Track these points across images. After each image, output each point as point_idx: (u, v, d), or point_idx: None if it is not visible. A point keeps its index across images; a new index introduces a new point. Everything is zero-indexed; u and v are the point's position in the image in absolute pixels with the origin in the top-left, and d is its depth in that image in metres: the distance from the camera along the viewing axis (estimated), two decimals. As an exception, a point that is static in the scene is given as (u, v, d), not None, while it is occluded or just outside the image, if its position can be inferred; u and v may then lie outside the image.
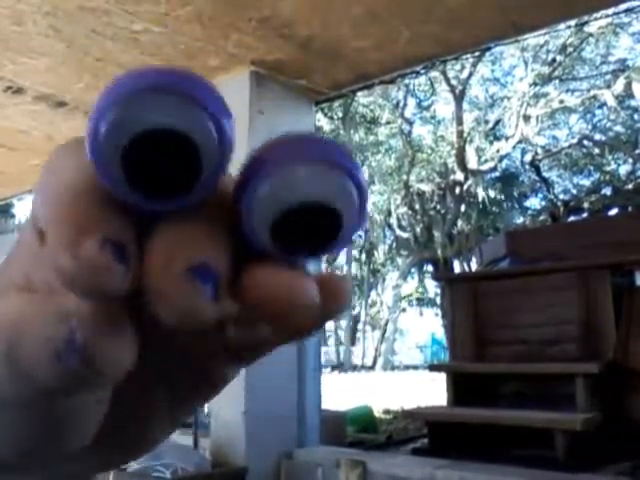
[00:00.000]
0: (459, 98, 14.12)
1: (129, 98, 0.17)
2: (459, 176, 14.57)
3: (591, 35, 13.09)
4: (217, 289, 0.18)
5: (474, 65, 13.63)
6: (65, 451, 0.23)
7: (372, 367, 18.21)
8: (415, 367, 17.54)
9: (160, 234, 0.18)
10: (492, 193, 15.82)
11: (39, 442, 0.22)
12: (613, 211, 12.58)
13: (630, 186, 13.54)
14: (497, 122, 15.13)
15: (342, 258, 17.61)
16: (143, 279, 0.18)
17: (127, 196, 0.18)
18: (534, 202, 16.21)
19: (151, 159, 0.17)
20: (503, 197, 16.16)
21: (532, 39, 11.48)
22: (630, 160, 14.18)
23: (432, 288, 19.62)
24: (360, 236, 16.90)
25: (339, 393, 7.50)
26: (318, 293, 0.19)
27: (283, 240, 0.19)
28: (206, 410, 3.45)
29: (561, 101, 13.97)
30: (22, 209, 13.59)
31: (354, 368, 18.15)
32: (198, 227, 0.19)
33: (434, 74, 12.93)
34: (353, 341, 20.76)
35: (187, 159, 0.18)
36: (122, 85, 0.17)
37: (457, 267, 15.69)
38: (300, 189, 0.18)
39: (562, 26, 5.78)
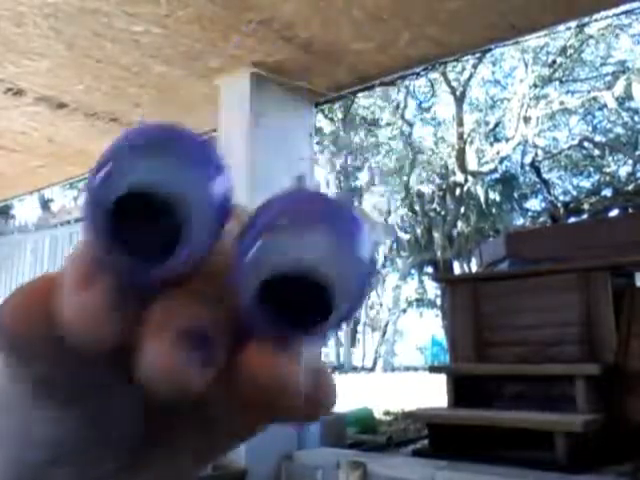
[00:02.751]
0: (459, 100, 14.12)
1: (117, 155, 0.17)
2: (459, 177, 14.57)
3: (591, 37, 13.10)
4: (209, 355, 0.18)
5: (474, 67, 13.64)
6: (104, 460, 0.23)
7: (372, 368, 18.20)
8: (415, 368, 17.52)
9: (155, 302, 0.18)
10: (492, 194, 15.82)
11: (77, 444, 0.23)
12: (613, 212, 12.58)
13: (630, 187, 13.54)
14: (497, 124, 15.13)
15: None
16: (136, 341, 0.18)
17: (113, 254, 0.18)
18: (534, 203, 16.20)
19: (137, 220, 0.17)
20: (503, 198, 16.15)
21: (532, 41, 11.49)
22: (630, 161, 14.18)
23: (432, 289, 19.61)
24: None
25: (339, 394, 7.48)
26: (302, 382, 0.19)
27: (273, 315, 0.18)
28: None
29: (561, 102, 13.98)
30: (22, 210, 13.59)
31: (354, 369, 18.15)
32: (193, 293, 0.19)
33: (434, 76, 12.94)
34: (353, 342, 20.76)
35: (172, 221, 0.17)
36: (116, 142, 0.17)
37: (457, 268, 15.69)
38: (280, 256, 0.17)
39: (562, 28, 5.78)
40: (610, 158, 14.49)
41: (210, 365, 0.18)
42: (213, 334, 0.18)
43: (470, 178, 14.54)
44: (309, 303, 0.17)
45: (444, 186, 15.28)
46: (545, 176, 15.07)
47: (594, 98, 13.69)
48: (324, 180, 14.97)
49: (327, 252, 0.17)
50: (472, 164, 14.50)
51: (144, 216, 0.17)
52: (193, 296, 0.19)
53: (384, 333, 18.28)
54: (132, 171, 0.17)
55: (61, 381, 0.21)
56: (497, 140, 15.17)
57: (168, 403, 0.19)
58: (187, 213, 0.17)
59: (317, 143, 12.16)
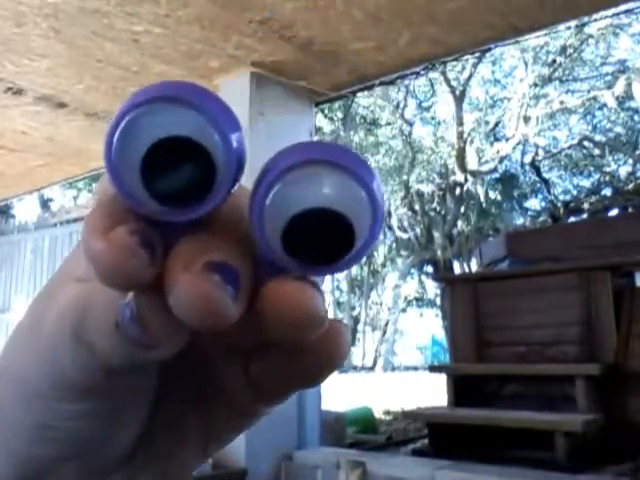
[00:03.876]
0: (459, 99, 14.12)
1: (142, 108, 0.17)
2: (459, 177, 14.57)
3: (591, 36, 13.09)
4: (238, 289, 0.18)
5: (474, 66, 13.63)
6: (110, 455, 0.23)
7: (372, 368, 18.20)
8: (415, 368, 17.52)
9: (180, 243, 0.19)
10: (492, 194, 15.82)
11: (90, 440, 0.23)
12: (613, 212, 12.58)
13: (630, 187, 13.53)
14: (497, 123, 15.13)
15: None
16: (165, 277, 0.18)
17: (144, 204, 0.18)
18: (534, 203, 16.20)
19: (165, 168, 0.18)
20: (503, 198, 16.15)
21: (532, 40, 11.49)
22: (630, 161, 14.18)
23: (432, 289, 19.61)
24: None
25: (339, 394, 7.49)
26: (325, 308, 0.19)
27: (295, 251, 0.19)
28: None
29: (561, 102, 13.97)
30: (22, 210, 13.59)
31: (354, 369, 18.14)
32: (217, 236, 0.19)
33: (434, 75, 12.93)
34: (353, 342, 20.75)
35: (199, 169, 0.18)
36: (136, 96, 0.18)
37: (457, 268, 15.68)
38: (301, 195, 0.18)
39: (562, 27, 5.78)
40: (610, 157, 14.49)
41: (239, 300, 0.18)
42: (240, 268, 0.19)
43: (470, 177, 14.53)
44: (329, 240, 0.18)
45: (444, 185, 15.27)
46: (545, 175, 15.07)
47: (594, 97, 13.69)
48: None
49: (344, 190, 0.18)
50: (472, 163, 14.50)
51: (173, 165, 0.18)
52: (217, 236, 0.19)
53: (384, 332, 18.27)
54: (164, 120, 0.17)
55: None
56: (497, 139, 15.17)
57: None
58: (216, 162, 0.18)
59: (317, 143, 12.06)
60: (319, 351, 0.21)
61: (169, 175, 0.18)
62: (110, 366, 0.20)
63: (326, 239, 0.18)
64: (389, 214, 16.11)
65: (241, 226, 0.20)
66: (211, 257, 0.18)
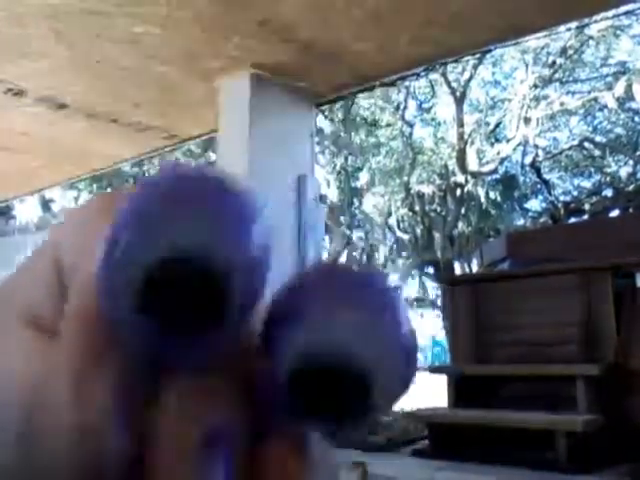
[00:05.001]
0: (460, 100, 14.12)
1: (142, 219, 0.14)
2: (460, 178, 14.57)
3: (591, 37, 13.09)
4: (230, 461, 0.16)
5: (475, 67, 13.63)
6: None
7: (373, 369, 18.17)
8: (416, 369, 17.47)
9: (173, 400, 0.16)
10: (493, 195, 15.82)
11: None
12: (614, 213, 12.57)
13: (631, 188, 13.53)
14: (498, 124, 15.13)
15: (342, 260, 17.59)
16: (152, 453, 0.15)
17: (136, 329, 0.15)
18: (535, 204, 16.18)
19: (169, 291, 0.14)
20: (504, 199, 16.14)
21: (532, 41, 11.49)
22: (631, 162, 14.17)
23: (433, 290, 19.60)
24: (361, 238, 16.90)
25: None
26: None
27: (301, 406, 0.16)
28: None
29: (562, 103, 13.97)
30: (22, 211, 13.59)
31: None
32: (216, 382, 0.16)
33: (435, 76, 12.93)
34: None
35: (210, 291, 0.14)
36: (137, 201, 0.15)
37: (458, 269, 15.67)
38: (310, 341, 0.15)
39: (562, 28, 5.78)
40: (611, 158, 14.48)
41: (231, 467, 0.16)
42: (237, 437, 0.16)
43: (470, 178, 14.53)
44: (343, 392, 0.15)
45: (444, 187, 15.27)
46: (545, 176, 15.06)
47: (594, 99, 13.68)
48: (324, 180, 14.97)
49: (364, 332, 0.15)
50: (472, 165, 14.50)
51: (176, 287, 0.14)
52: (217, 390, 0.16)
53: (384, 334, 18.23)
54: (167, 234, 0.14)
55: None
56: (497, 141, 15.17)
57: None
58: (229, 282, 0.14)
59: (317, 144, 12.13)
60: None
61: (170, 300, 0.14)
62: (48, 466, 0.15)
63: (344, 391, 0.15)
64: (389, 214, 16.12)
65: (245, 364, 0.17)
66: (208, 423, 0.15)
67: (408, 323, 0.16)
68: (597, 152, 14.58)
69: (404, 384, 0.16)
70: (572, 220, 13.12)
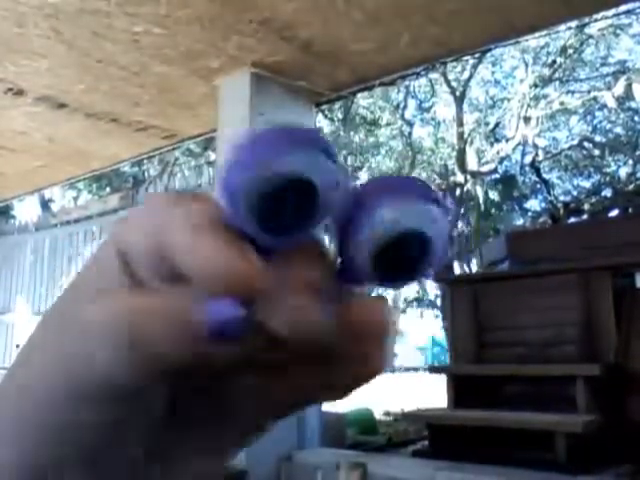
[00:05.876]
0: (459, 100, 14.12)
1: (269, 148, 0.20)
2: (459, 178, 14.56)
3: (591, 37, 13.09)
4: (332, 309, 0.21)
5: (474, 67, 13.63)
6: (120, 463, 0.24)
7: (372, 369, 18.17)
8: (415, 369, 17.51)
9: (285, 263, 0.21)
10: (492, 195, 15.82)
11: (99, 447, 0.23)
12: (613, 213, 12.57)
13: (630, 188, 13.53)
14: (497, 124, 15.13)
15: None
16: (276, 296, 0.20)
17: (252, 231, 0.21)
18: (534, 204, 16.18)
19: (277, 203, 0.20)
20: (503, 199, 16.15)
21: (532, 41, 11.49)
22: (630, 162, 14.18)
23: (432, 290, 19.59)
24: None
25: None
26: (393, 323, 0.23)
27: (381, 269, 0.22)
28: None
29: (561, 103, 13.97)
30: (22, 210, 13.59)
31: (354, 370, 18.10)
32: (310, 257, 0.22)
33: (434, 76, 12.93)
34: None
35: (305, 201, 0.21)
36: (263, 137, 0.21)
37: (457, 269, 15.68)
38: (400, 223, 0.21)
39: (562, 28, 5.78)
40: (610, 158, 14.48)
41: (333, 317, 0.21)
42: (332, 290, 0.21)
43: (470, 178, 14.53)
44: (413, 258, 0.22)
45: (444, 186, 15.27)
46: (545, 176, 15.06)
47: (594, 98, 13.69)
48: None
49: (429, 218, 0.21)
50: (472, 164, 14.50)
51: (285, 199, 0.20)
52: (310, 257, 0.22)
53: (384, 333, 18.23)
54: (287, 162, 0.20)
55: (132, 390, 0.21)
56: (497, 140, 15.16)
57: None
58: (320, 198, 0.21)
59: (317, 143, 12.03)
60: (363, 363, 0.23)
61: (278, 209, 0.20)
62: (169, 367, 0.20)
63: (407, 256, 0.22)
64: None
65: (322, 245, 0.23)
66: (315, 281, 0.21)
67: (450, 212, 0.22)
68: (597, 152, 14.58)
69: (446, 253, 0.22)
70: (572, 220, 13.13)
